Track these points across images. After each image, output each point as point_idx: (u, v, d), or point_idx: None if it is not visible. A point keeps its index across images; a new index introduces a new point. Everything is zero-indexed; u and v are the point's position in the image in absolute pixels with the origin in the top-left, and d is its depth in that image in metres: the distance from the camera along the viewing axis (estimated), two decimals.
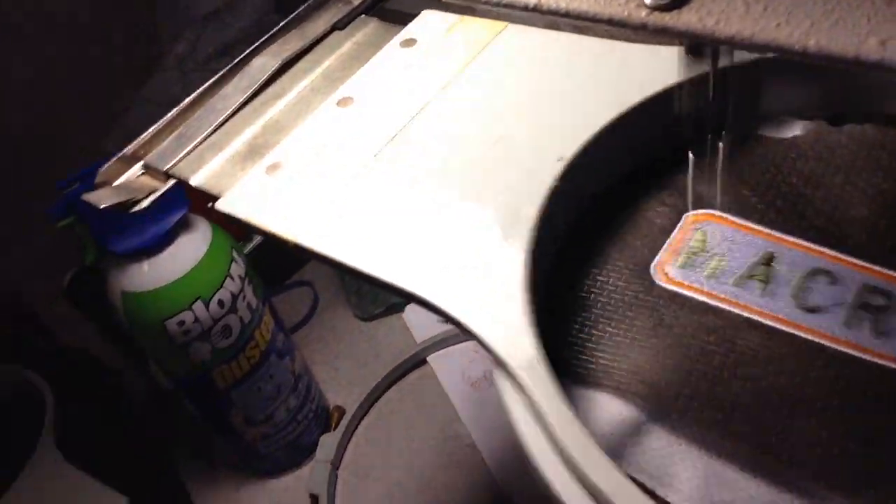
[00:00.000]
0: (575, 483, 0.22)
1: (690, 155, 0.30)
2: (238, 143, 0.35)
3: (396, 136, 0.33)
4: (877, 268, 0.28)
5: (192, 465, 0.60)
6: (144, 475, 0.57)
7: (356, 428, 0.60)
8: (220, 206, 0.32)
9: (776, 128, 0.33)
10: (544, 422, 0.23)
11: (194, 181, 0.34)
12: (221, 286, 0.49)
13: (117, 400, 0.63)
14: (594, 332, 0.28)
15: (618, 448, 0.25)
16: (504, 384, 0.25)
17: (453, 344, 0.63)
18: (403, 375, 0.64)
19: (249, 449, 0.56)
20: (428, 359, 0.63)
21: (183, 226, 0.48)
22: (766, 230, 0.30)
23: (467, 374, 0.62)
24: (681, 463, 0.25)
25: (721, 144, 0.27)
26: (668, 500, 0.24)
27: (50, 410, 0.58)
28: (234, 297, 0.50)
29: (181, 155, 0.35)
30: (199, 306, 0.48)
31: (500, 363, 0.25)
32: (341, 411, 0.61)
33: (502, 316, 0.25)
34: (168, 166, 0.34)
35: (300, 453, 0.59)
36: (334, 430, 0.60)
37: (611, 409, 0.26)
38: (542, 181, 0.29)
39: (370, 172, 0.32)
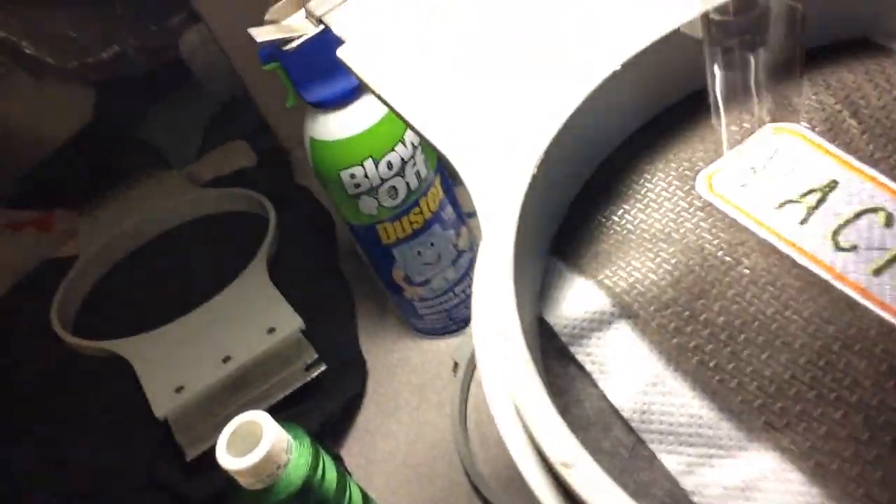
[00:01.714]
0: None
1: (707, 55, 0.26)
2: None
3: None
4: None
5: (369, 308, 0.67)
6: (328, 306, 0.66)
7: None
8: (340, 54, 0.35)
9: None
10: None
11: (336, 29, 0.37)
12: (392, 150, 0.53)
13: (328, 238, 0.72)
14: (613, 224, 0.27)
15: (579, 335, 0.25)
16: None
17: None
18: None
19: (409, 305, 0.62)
20: None
21: (363, 88, 0.52)
22: (845, 156, 0.26)
23: None
24: (629, 360, 0.24)
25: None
26: (603, 389, 0.24)
27: (270, 233, 0.69)
28: (404, 162, 0.54)
29: (337, 2, 0.38)
30: (369, 164, 0.53)
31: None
32: None
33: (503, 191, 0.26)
34: (322, 12, 0.38)
35: (455, 323, 0.63)
36: None
37: (587, 297, 0.26)
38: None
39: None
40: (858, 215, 0.24)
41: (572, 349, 0.25)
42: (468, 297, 0.63)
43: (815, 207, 0.25)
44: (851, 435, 0.20)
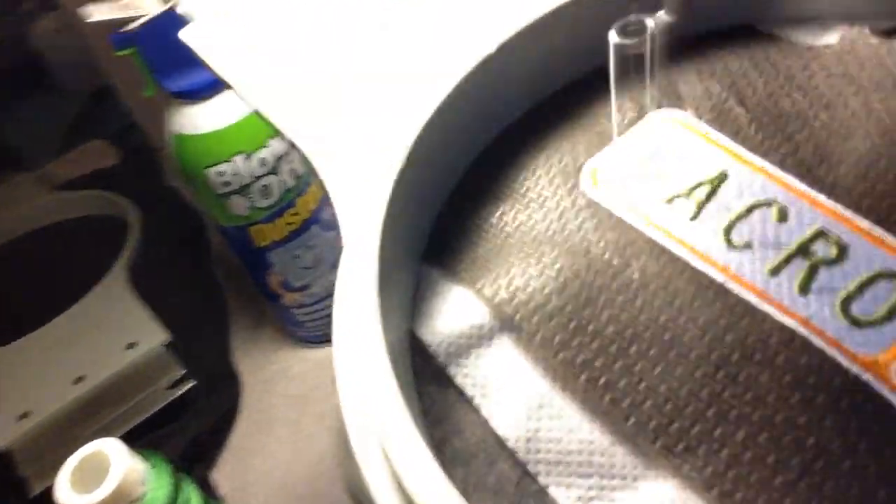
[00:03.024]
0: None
1: (610, 41, 0.24)
2: None
3: None
4: (845, 212, 0.21)
5: (243, 317, 0.63)
6: (197, 317, 0.61)
7: None
8: (184, 35, 0.31)
9: (807, 33, 0.27)
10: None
11: (182, 7, 0.33)
12: (265, 145, 0.49)
13: (197, 242, 0.66)
14: (490, 227, 0.25)
15: (456, 353, 0.22)
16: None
17: None
18: None
19: (287, 312, 0.58)
20: None
21: None
22: (733, 146, 0.24)
23: None
24: (513, 380, 0.21)
25: (648, 28, 0.21)
26: (486, 416, 0.21)
27: (132, 239, 0.63)
28: (279, 158, 0.50)
29: None
30: (239, 160, 0.48)
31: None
32: None
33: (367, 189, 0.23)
34: None
35: None
36: None
37: (464, 310, 0.23)
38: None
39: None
40: (750, 209, 0.22)
41: (450, 370, 0.22)
42: None
43: (706, 202, 0.23)
44: (756, 458, 0.18)
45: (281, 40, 0.29)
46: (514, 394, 0.21)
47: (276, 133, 0.49)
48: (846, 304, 0.20)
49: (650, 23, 0.21)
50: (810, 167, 0.23)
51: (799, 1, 0.26)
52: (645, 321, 0.21)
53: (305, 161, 0.52)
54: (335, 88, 0.27)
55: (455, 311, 0.23)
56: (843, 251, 0.21)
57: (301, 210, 0.53)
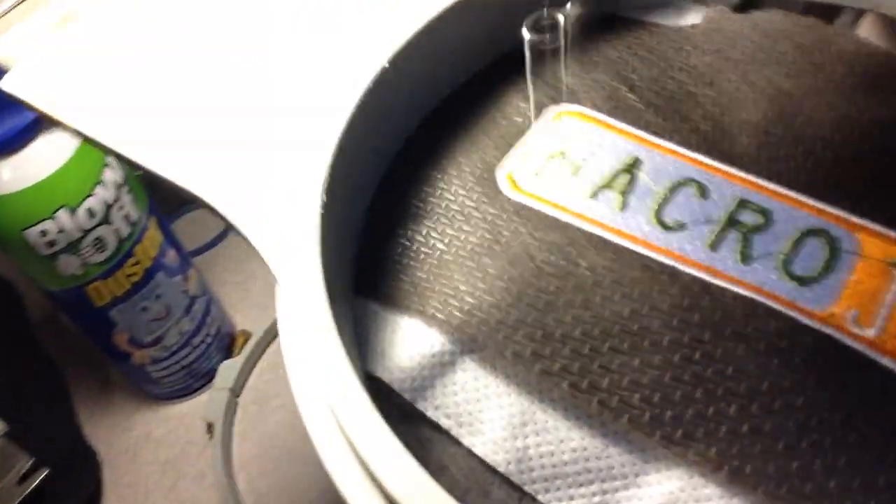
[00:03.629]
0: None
1: (524, 37, 0.24)
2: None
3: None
4: (759, 180, 0.23)
5: (87, 385, 0.56)
6: (32, 396, 0.54)
7: (261, 354, 0.57)
8: (6, 86, 0.27)
9: (671, 15, 0.28)
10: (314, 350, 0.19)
11: None
12: (91, 194, 0.44)
13: (13, 312, 0.59)
14: (420, 247, 0.23)
15: (421, 386, 0.21)
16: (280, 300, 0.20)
17: None
18: None
19: (139, 371, 0.53)
20: None
21: (43, 122, 0.43)
22: (638, 132, 0.25)
23: None
24: (488, 402, 0.21)
25: (559, 23, 0.21)
26: (469, 445, 0.20)
27: None
28: (109, 206, 0.45)
29: None
30: (63, 215, 0.43)
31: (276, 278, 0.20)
32: (246, 336, 0.57)
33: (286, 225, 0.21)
34: None
35: (198, 379, 0.55)
36: (237, 355, 0.56)
37: (419, 338, 0.22)
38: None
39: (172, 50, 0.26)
40: (672, 191, 0.23)
41: (419, 405, 0.21)
42: (209, 345, 0.55)
43: (628, 190, 0.23)
44: (753, 428, 0.19)
45: (136, 68, 0.26)
46: (492, 416, 0.21)
47: (101, 179, 0.44)
48: (787, 265, 0.21)
49: (561, 17, 0.21)
50: (714, 142, 0.24)
51: None
52: (610, 316, 0.21)
53: (139, 202, 0.47)
54: (215, 123, 0.24)
55: (410, 342, 0.22)
56: (767, 217, 0.22)
57: (142, 258, 0.48)
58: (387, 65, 0.24)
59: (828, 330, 0.20)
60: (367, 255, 0.24)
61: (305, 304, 0.20)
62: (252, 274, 0.62)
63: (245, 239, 0.22)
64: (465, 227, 0.24)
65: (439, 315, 0.22)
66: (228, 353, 0.56)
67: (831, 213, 0.22)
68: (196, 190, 0.23)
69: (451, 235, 0.24)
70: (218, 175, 0.23)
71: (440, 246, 0.23)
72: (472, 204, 0.24)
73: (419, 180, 0.25)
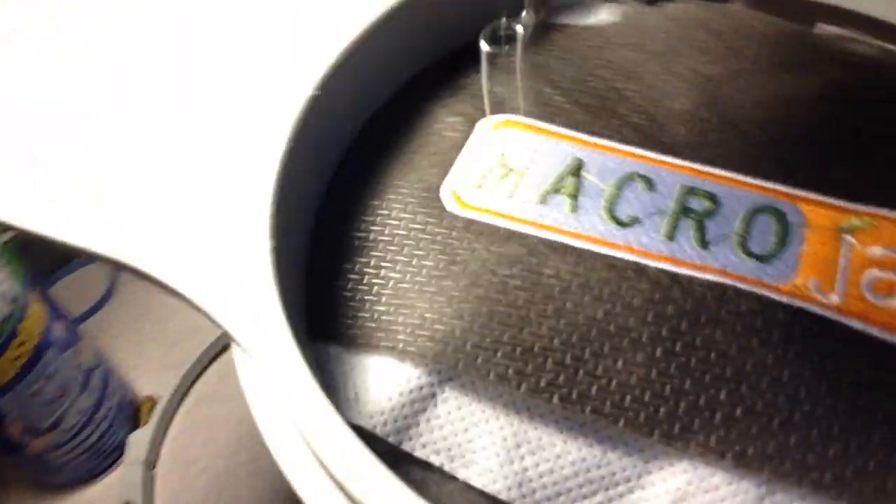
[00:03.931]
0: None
1: (482, 49, 0.24)
2: None
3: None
4: (699, 166, 0.23)
5: None
6: None
7: (172, 419, 0.53)
8: None
9: (581, 14, 0.28)
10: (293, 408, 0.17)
11: None
12: None
13: None
14: (373, 279, 0.22)
15: (404, 425, 0.20)
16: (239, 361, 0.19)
17: None
18: (224, 350, 0.56)
19: (38, 461, 0.48)
20: None
21: None
22: (574, 134, 0.24)
23: None
24: (477, 430, 0.20)
25: (518, 34, 0.21)
26: (464, 478, 0.19)
27: None
28: None
29: None
30: None
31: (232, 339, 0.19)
32: (152, 401, 0.53)
33: (236, 282, 0.19)
34: None
35: (106, 457, 0.51)
36: (145, 424, 0.52)
37: (393, 375, 0.20)
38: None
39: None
40: (620, 187, 0.23)
41: (405, 446, 0.20)
42: (114, 419, 0.51)
43: (577, 192, 0.23)
44: (747, 410, 0.19)
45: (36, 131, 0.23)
46: (484, 444, 0.20)
47: None
48: (744, 245, 0.21)
49: (519, 28, 0.21)
50: (649, 135, 0.24)
51: None
52: (585, 321, 0.20)
53: (15, 275, 0.43)
54: (121, 168, 0.22)
55: (383, 381, 0.20)
56: (715, 201, 0.22)
57: (27, 337, 0.44)
58: (317, 92, 0.23)
59: (797, 302, 0.20)
60: (317, 296, 0.22)
61: (276, 363, 0.18)
62: (145, 333, 0.58)
63: (186, 300, 0.20)
64: (417, 252, 0.23)
65: (410, 347, 0.21)
66: (135, 423, 0.52)
67: (772, 189, 0.22)
68: (120, 256, 0.21)
69: (403, 262, 0.22)
70: (142, 233, 0.21)
71: (394, 275, 0.22)
72: (418, 226, 0.23)
73: (358, 211, 0.24)
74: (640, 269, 0.21)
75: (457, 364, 0.20)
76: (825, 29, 0.26)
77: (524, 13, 0.21)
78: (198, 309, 0.20)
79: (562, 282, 0.21)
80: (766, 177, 0.23)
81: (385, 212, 0.24)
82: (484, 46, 0.22)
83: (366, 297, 0.22)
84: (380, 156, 0.25)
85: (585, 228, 0.22)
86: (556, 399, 0.19)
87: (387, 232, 0.23)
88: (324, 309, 0.22)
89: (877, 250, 0.21)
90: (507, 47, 0.22)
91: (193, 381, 0.55)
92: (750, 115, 0.24)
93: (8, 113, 0.24)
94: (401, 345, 0.21)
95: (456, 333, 0.20)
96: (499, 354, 0.20)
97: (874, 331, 0.20)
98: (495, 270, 0.22)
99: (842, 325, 0.20)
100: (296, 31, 0.24)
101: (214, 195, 0.21)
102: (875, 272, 0.20)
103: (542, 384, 0.20)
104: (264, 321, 0.19)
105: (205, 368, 0.55)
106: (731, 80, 0.25)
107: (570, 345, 0.20)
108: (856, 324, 0.20)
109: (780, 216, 0.22)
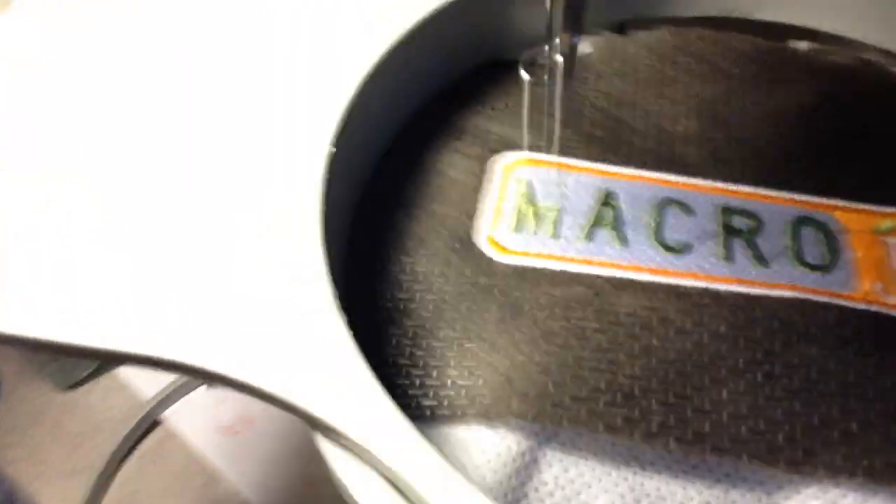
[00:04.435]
0: None
1: (523, 79, 0.23)
2: None
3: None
4: (727, 185, 0.23)
5: None
6: None
7: None
8: None
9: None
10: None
11: None
12: None
13: None
14: (432, 342, 0.20)
15: (515, 499, 0.18)
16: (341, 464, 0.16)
17: (191, 391, 0.52)
18: (136, 445, 0.50)
19: None
20: (164, 416, 0.51)
21: None
22: (594, 165, 0.24)
23: (218, 421, 0.51)
24: (590, 491, 0.18)
25: (558, 63, 0.20)
26: None
27: None
28: None
29: None
30: None
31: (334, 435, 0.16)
32: None
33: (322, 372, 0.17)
34: None
35: None
36: None
37: (485, 445, 0.19)
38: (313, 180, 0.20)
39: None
40: (659, 214, 0.23)
41: None
42: None
43: (617, 223, 0.22)
44: (864, 424, 0.18)
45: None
46: (598, 487, 0.18)
47: None
48: (800, 258, 0.22)
49: (559, 57, 0.20)
50: (663, 159, 0.24)
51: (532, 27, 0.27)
52: (677, 356, 0.19)
53: None
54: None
55: (481, 454, 0.18)
56: (755, 218, 0.22)
57: None
58: (333, 148, 0.21)
59: (874, 308, 0.20)
60: (377, 374, 0.20)
61: (396, 449, 0.16)
62: (41, 438, 0.51)
63: (277, 402, 0.17)
64: (474, 307, 0.21)
65: (503, 411, 0.19)
66: None
67: (804, 201, 0.23)
68: (211, 366, 0.17)
69: (462, 319, 0.21)
70: (231, 341, 0.18)
71: (454, 335, 0.20)
72: (465, 280, 0.21)
73: (390, 271, 0.22)
74: (715, 295, 0.21)
75: (561, 421, 0.18)
76: (797, 44, 0.27)
77: (556, 40, 0.20)
78: (289, 409, 0.17)
79: (639, 318, 0.20)
80: (791, 188, 0.23)
81: (423, 269, 0.22)
82: (524, 76, 0.21)
83: (435, 365, 0.20)
84: (397, 210, 0.23)
85: (642, 260, 0.22)
86: (672, 442, 0.18)
87: (434, 289, 0.21)
88: (384, 382, 0.20)
89: None
90: (546, 76, 0.21)
91: (107, 483, 0.49)
92: (754, 130, 0.24)
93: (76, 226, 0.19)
94: (492, 410, 0.19)
95: (549, 389, 0.19)
96: (601, 403, 0.19)
97: None
98: (567, 315, 0.20)
99: None
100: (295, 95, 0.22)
101: (282, 293, 0.18)
102: None
103: (654, 428, 0.18)
104: (371, 408, 0.16)
105: (118, 467, 0.49)
106: (725, 99, 0.25)
107: (670, 382, 0.19)
108: None
109: (819, 226, 0.22)
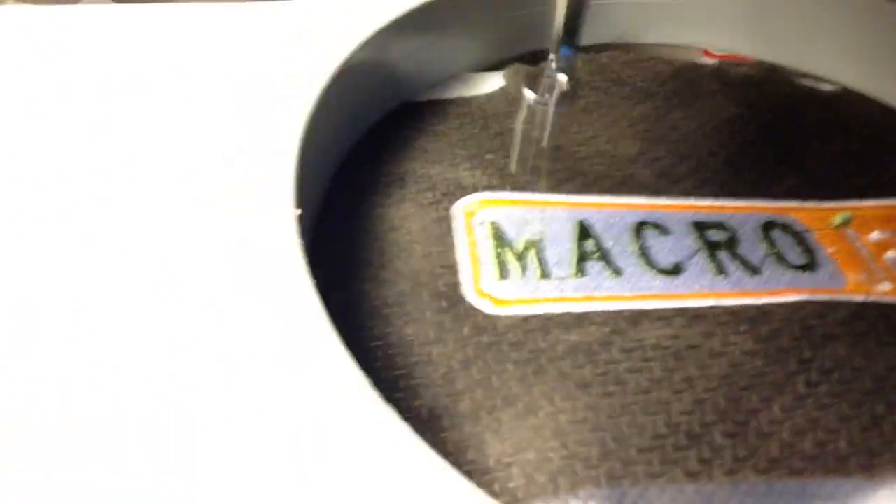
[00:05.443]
0: None
1: (527, 98, 0.21)
2: None
3: None
4: (689, 201, 0.23)
5: None
6: None
7: None
8: None
9: (474, 84, 0.26)
10: None
11: None
12: None
13: None
14: (455, 421, 0.17)
15: None
16: None
17: None
18: None
19: None
20: None
21: None
22: (557, 198, 0.22)
23: None
24: None
25: (560, 82, 0.18)
26: None
27: None
28: None
29: None
30: None
31: None
32: None
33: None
34: None
35: None
36: None
37: None
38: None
39: None
40: (640, 239, 0.21)
41: None
42: None
43: (602, 254, 0.21)
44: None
45: None
46: None
47: None
48: (785, 261, 0.21)
49: (562, 77, 0.18)
50: (621, 182, 0.23)
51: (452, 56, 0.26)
52: (718, 381, 0.18)
53: None
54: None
55: None
56: (726, 228, 0.22)
57: None
58: (299, 211, 0.17)
59: (872, 298, 0.20)
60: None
61: None
62: None
63: None
64: (488, 370, 0.18)
65: (570, 483, 0.16)
66: None
67: (763, 206, 0.23)
68: None
69: (480, 387, 0.18)
70: None
71: (474, 406, 0.17)
72: (467, 341, 0.19)
73: (377, 353, 0.18)
74: (729, 311, 0.20)
75: (637, 478, 0.16)
76: (703, 59, 0.28)
77: (553, 57, 0.18)
78: None
79: (668, 349, 0.19)
80: (746, 196, 0.23)
81: (413, 338, 0.19)
82: (529, 95, 0.19)
83: (461, 443, 0.17)
84: (358, 275, 0.20)
85: (644, 288, 0.20)
86: (752, 475, 0.17)
87: (434, 359, 0.18)
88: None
89: (875, 235, 0.22)
90: (547, 96, 0.19)
91: None
92: (693, 144, 0.24)
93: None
94: (561, 482, 0.16)
95: (610, 444, 0.17)
96: (669, 448, 0.17)
97: None
98: (593, 360, 0.18)
99: None
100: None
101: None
102: (892, 253, 0.22)
103: (729, 463, 0.17)
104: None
105: None
106: (655, 117, 0.25)
107: (723, 411, 0.18)
108: None
109: (785, 228, 0.22)
